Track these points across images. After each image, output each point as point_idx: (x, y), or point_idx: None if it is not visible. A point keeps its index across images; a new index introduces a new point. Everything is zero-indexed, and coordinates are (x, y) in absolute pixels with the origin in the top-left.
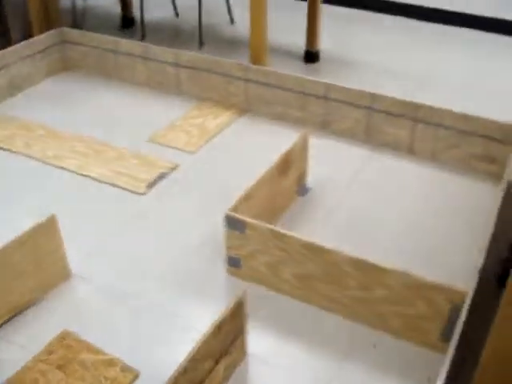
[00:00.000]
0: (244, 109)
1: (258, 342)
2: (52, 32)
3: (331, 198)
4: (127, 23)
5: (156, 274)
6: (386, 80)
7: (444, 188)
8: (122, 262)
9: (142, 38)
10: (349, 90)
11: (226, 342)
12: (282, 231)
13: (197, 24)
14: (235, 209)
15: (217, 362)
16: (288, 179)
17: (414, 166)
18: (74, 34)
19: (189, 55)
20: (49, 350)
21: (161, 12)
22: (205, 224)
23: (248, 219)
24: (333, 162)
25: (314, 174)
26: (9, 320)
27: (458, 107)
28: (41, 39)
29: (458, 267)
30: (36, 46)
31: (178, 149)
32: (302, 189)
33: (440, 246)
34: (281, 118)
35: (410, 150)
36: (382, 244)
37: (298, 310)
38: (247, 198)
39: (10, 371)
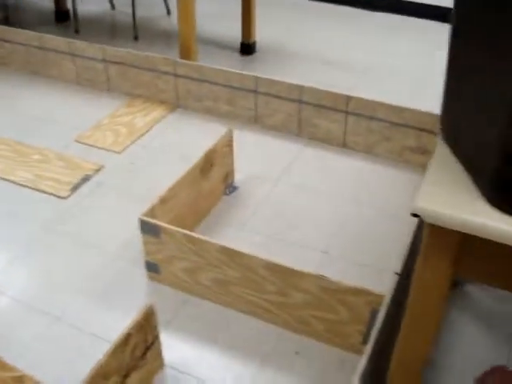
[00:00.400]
0: (175, 105)
1: (177, 349)
2: None
3: (259, 195)
4: (61, 17)
5: (74, 283)
6: (324, 72)
7: (375, 180)
8: (39, 271)
9: (76, 32)
10: (278, 82)
11: (135, 354)
12: (196, 236)
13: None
14: (151, 212)
15: (126, 377)
16: (212, 178)
17: (346, 160)
18: (0, 30)
19: (116, 51)
20: None
21: (96, 5)
22: (126, 228)
23: (161, 223)
24: (263, 158)
25: (243, 171)
26: None
27: (396, 99)
28: None
29: (386, 258)
30: None
31: (104, 149)
32: (228, 188)
33: (368, 236)
34: (211, 113)
35: (342, 144)
36: (310, 240)
37: (218, 316)
38: (164, 200)
39: None
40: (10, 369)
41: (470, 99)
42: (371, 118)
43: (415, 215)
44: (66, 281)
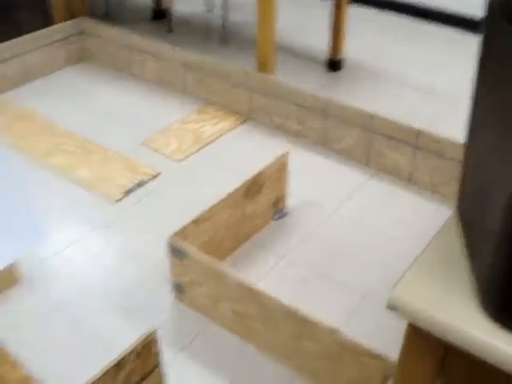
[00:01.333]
0: (246, 117)
1: (185, 375)
2: (72, 22)
3: (309, 224)
4: (158, 15)
5: (104, 289)
6: (409, 97)
7: (440, 224)
8: (74, 273)
9: (169, 31)
10: (350, 108)
11: (130, 380)
12: (216, 266)
13: (227, 20)
14: (183, 233)
15: None
16: (260, 201)
17: (412, 198)
18: (93, 25)
19: (197, 56)
20: None
21: (193, 6)
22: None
23: (185, 247)
24: (323, 184)
25: (298, 195)
26: None
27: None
28: (61, 27)
29: None
30: (55, 35)
31: (165, 155)
32: (277, 213)
33: None
34: (280, 129)
35: (409, 179)
36: (352, 282)
37: (234, 349)
38: (198, 221)
39: None
40: (19, 368)
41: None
42: (440, 156)
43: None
44: (97, 285)
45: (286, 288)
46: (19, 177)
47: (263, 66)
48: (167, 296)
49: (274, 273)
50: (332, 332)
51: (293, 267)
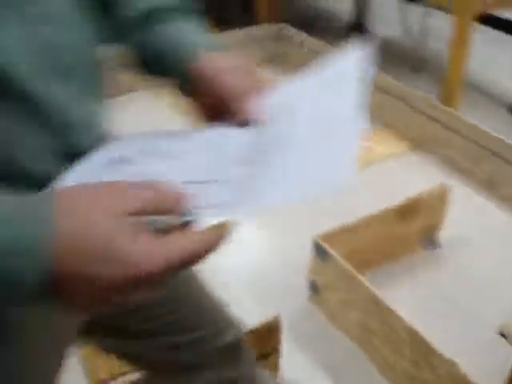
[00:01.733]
0: (418, 145)
1: (297, 368)
2: (272, 25)
3: (457, 261)
4: (353, 30)
5: (246, 274)
6: None
7: None
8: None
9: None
10: None
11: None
12: (353, 273)
13: (423, 48)
14: (329, 236)
15: None
16: (411, 227)
17: None
18: (291, 31)
19: (383, 78)
20: None
21: (392, 28)
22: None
23: (329, 250)
24: (481, 223)
25: (455, 230)
26: None
27: None
28: (259, 29)
29: None
30: (253, 35)
31: None
32: (429, 242)
33: None
34: (450, 165)
35: None
36: (491, 321)
37: (350, 357)
38: (347, 229)
39: None
40: None
41: None
42: None
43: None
44: (240, 269)
45: (420, 316)
46: None
47: (447, 99)
48: (301, 293)
49: (410, 298)
50: (450, 364)
51: (432, 298)
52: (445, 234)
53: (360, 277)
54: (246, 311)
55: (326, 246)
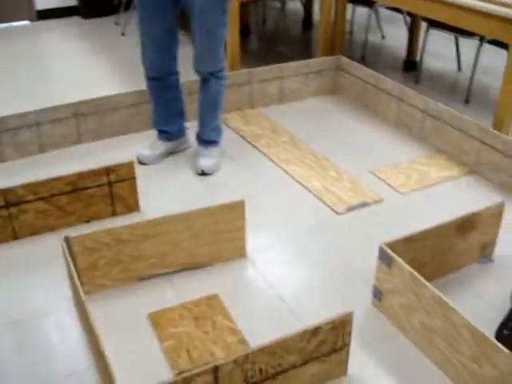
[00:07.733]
0: (472, 169)
1: (361, 366)
2: (331, 58)
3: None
4: (409, 66)
5: (310, 277)
6: None
7: None
8: (289, 264)
9: (415, 82)
10: None
11: (320, 349)
12: (419, 277)
13: (474, 82)
14: (394, 245)
15: (305, 362)
16: (469, 241)
17: None
18: (349, 64)
19: (436, 105)
20: (196, 303)
21: (445, 63)
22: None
23: (396, 257)
24: None
25: (507, 247)
26: (181, 270)
27: None
28: (320, 61)
29: None
30: (314, 66)
31: (391, 186)
32: (484, 257)
33: None
34: (504, 187)
35: None
36: None
37: (411, 358)
38: (409, 240)
39: (155, 307)
40: (231, 321)
41: None
42: None
43: None
44: (303, 271)
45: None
46: (260, 169)
47: (499, 125)
48: (365, 298)
49: (467, 310)
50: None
51: (488, 309)
52: (499, 249)
53: (424, 280)
54: (311, 315)
55: (391, 252)
